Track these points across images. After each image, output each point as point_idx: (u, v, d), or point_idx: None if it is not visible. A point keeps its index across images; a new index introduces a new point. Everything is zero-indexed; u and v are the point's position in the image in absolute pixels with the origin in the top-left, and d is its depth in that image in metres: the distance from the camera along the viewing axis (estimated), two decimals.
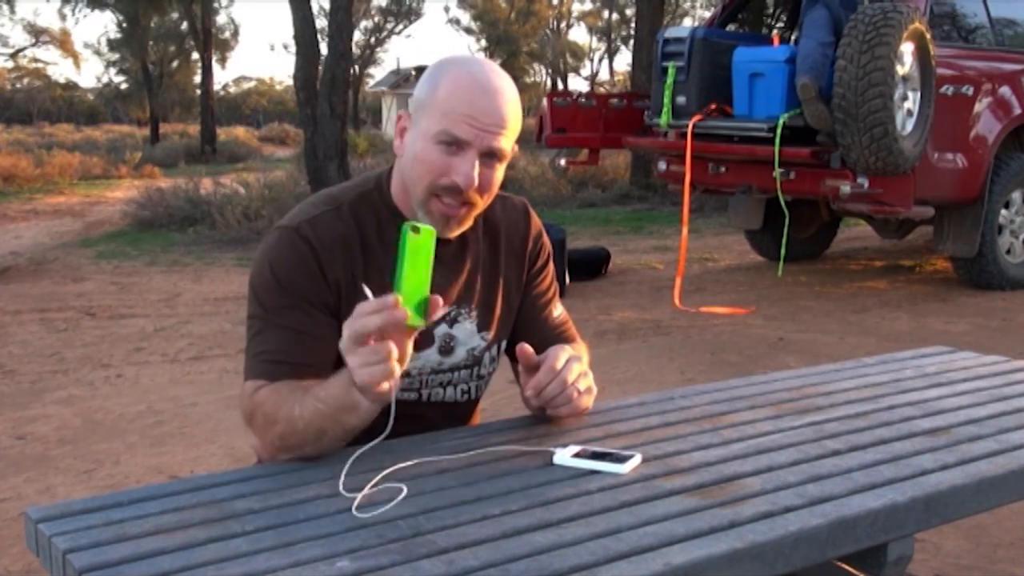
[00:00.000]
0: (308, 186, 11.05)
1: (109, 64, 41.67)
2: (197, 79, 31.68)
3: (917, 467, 1.42)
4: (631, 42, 17.33)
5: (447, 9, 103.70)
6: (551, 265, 1.80)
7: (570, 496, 1.30)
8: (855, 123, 5.49)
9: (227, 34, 36.32)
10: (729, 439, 1.54)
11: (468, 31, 45.08)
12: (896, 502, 1.31)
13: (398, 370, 1.32)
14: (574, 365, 1.55)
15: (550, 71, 48.11)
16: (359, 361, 1.32)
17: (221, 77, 68.54)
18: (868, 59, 5.43)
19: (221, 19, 37.01)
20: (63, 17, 56.85)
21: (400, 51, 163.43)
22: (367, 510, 1.24)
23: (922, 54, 5.75)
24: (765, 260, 7.73)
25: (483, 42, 42.84)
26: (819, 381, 1.89)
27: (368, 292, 1.32)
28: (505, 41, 41.17)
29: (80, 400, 4.35)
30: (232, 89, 62.66)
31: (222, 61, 42.76)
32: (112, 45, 37.00)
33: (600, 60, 55.16)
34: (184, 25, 30.49)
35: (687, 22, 31.52)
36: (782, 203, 6.05)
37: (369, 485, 1.31)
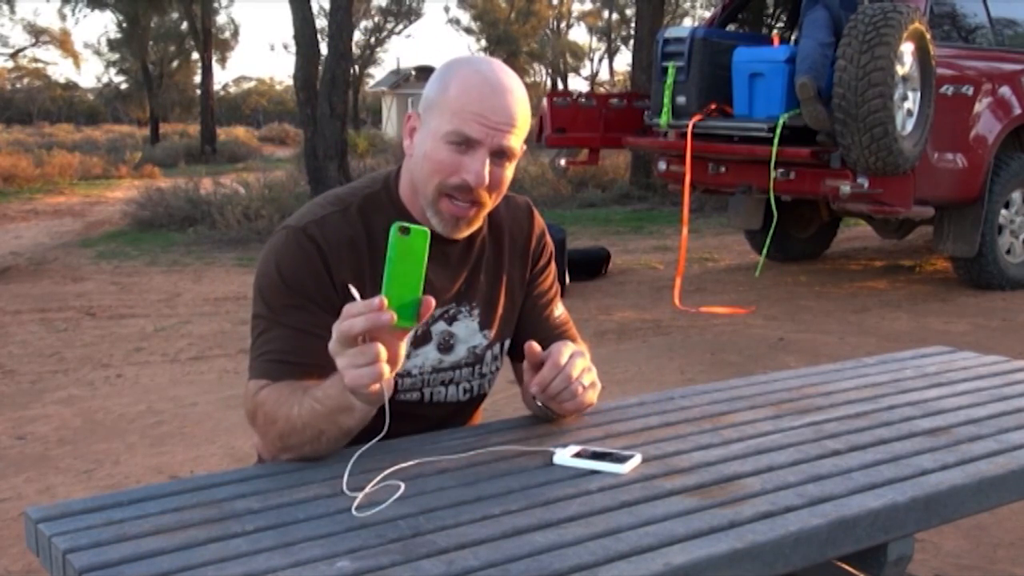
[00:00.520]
0: (308, 186, 11.05)
1: (109, 64, 41.78)
2: (197, 79, 31.65)
3: (917, 467, 1.42)
4: (631, 42, 17.31)
5: (447, 9, 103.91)
6: (553, 265, 1.80)
7: (570, 496, 1.30)
8: (855, 123, 5.49)
9: (227, 34, 36.31)
10: (729, 439, 1.54)
11: (468, 31, 45.11)
12: (896, 502, 1.31)
13: (388, 371, 1.31)
14: (578, 360, 1.54)
15: (550, 71, 48.13)
16: (346, 363, 1.31)
17: (221, 77, 68.60)
18: (868, 59, 5.43)
19: (221, 19, 37.06)
20: (63, 17, 56.93)
21: (400, 51, 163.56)
22: (367, 510, 1.24)
23: (922, 54, 5.75)
24: (765, 260, 7.73)
25: (483, 42, 42.81)
26: (819, 381, 1.89)
27: (356, 293, 1.32)
28: (505, 41, 41.13)
29: (80, 400, 4.35)
30: (232, 89, 62.62)
31: (222, 61, 42.79)
32: (112, 45, 37.02)
33: (600, 60, 55.12)
34: (184, 25, 30.46)
35: (687, 22, 31.54)
36: (772, 204, 6.05)
37: (370, 485, 1.31)
